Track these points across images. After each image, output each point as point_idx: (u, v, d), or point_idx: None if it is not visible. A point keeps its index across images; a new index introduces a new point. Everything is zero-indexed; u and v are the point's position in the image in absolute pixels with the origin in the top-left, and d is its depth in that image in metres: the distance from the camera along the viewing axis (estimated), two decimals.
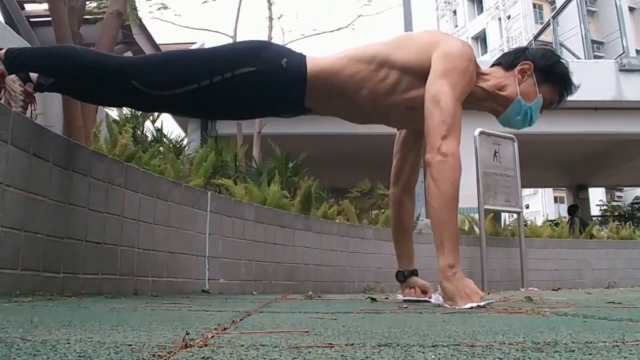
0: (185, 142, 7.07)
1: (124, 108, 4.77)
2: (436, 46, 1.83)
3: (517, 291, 4.15)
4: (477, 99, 1.96)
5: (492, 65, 2.02)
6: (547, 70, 1.94)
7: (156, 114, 5.37)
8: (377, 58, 1.87)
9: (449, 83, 1.77)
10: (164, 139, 5.32)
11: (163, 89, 1.88)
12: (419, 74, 1.83)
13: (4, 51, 1.91)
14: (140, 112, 5.00)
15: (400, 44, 1.92)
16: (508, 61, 1.97)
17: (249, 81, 1.85)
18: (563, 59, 1.99)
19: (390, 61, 1.86)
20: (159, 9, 7.42)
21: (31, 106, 2.00)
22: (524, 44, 21.32)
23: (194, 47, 11.09)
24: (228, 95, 1.90)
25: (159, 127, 5.61)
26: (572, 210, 10.41)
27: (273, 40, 8.42)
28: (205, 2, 8.33)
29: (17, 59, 1.91)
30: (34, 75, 1.97)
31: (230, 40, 8.22)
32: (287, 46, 2.00)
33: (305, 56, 1.92)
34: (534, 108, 1.94)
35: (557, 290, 4.31)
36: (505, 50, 2.31)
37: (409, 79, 1.86)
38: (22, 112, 1.93)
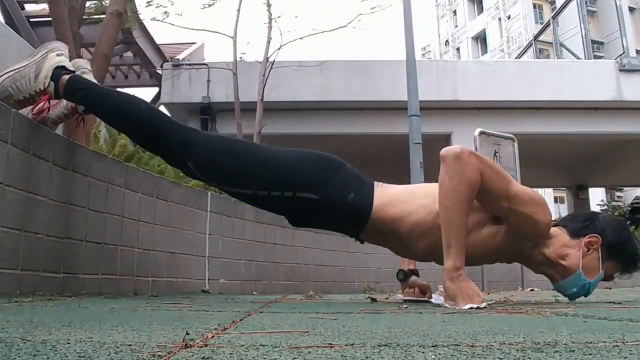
0: None
1: None
2: None
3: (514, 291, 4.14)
4: (536, 262, 1.86)
5: (557, 225, 1.89)
6: (616, 247, 1.81)
7: None
8: None
9: (515, 186, 1.72)
10: None
11: (217, 182, 1.82)
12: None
13: (67, 77, 1.81)
14: None
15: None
16: (575, 228, 1.84)
17: (309, 206, 1.77)
18: (634, 236, 1.87)
19: None
20: (164, 14, 7.41)
21: (78, 122, 1.98)
22: (524, 44, 21.30)
23: (194, 47, 11.08)
24: (283, 207, 1.84)
25: None
26: (636, 211, 10.39)
27: (272, 39, 8.42)
28: (205, 7, 8.32)
29: (78, 93, 1.83)
30: None
31: (231, 41, 8.22)
32: (359, 175, 1.87)
33: (374, 190, 1.82)
34: (593, 284, 1.82)
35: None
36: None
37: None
38: (57, 121, 1.92)
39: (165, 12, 7.39)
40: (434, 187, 1.79)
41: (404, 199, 1.82)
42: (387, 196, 1.81)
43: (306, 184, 1.76)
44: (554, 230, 1.85)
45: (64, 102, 1.92)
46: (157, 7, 7.32)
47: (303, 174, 1.79)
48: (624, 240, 1.83)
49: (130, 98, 1.91)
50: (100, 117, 1.92)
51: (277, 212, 2.00)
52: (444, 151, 1.69)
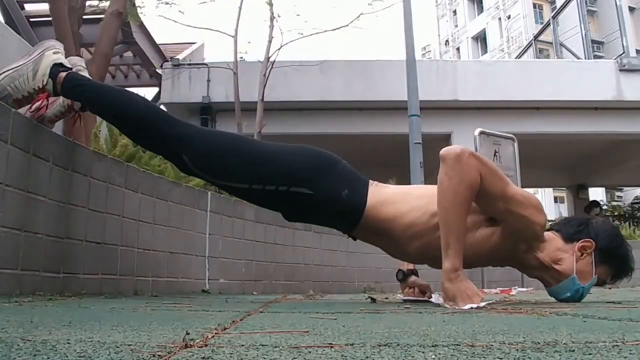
0: None
1: None
2: None
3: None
4: (530, 266, 1.87)
5: (551, 230, 1.89)
6: (609, 252, 1.82)
7: None
8: None
9: (512, 188, 1.71)
10: None
11: (212, 176, 1.82)
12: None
13: (64, 74, 1.82)
14: None
15: None
16: (569, 233, 1.84)
17: (303, 200, 1.77)
18: (626, 242, 1.87)
19: None
20: (170, 4, 7.42)
21: (79, 121, 2.02)
22: (524, 43, 21.29)
23: (194, 47, 11.08)
24: (277, 201, 1.84)
25: None
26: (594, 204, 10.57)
27: (273, 38, 8.41)
28: (205, 2, 8.32)
29: (76, 89, 1.84)
30: None
31: (232, 40, 8.20)
32: (354, 173, 1.86)
33: (368, 188, 1.82)
34: (586, 288, 1.82)
35: None
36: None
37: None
38: (54, 119, 1.93)
39: (175, 5, 7.41)
40: (428, 188, 1.81)
41: (398, 199, 1.81)
42: (382, 195, 1.82)
43: (301, 179, 1.77)
44: (547, 234, 1.85)
45: (61, 99, 1.92)
46: (159, 2, 7.33)
47: (298, 169, 1.79)
48: (617, 246, 1.84)
49: (127, 94, 1.93)
50: (97, 114, 1.94)
51: (271, 207, 2.00)
52: (443, 151, 1.69)
